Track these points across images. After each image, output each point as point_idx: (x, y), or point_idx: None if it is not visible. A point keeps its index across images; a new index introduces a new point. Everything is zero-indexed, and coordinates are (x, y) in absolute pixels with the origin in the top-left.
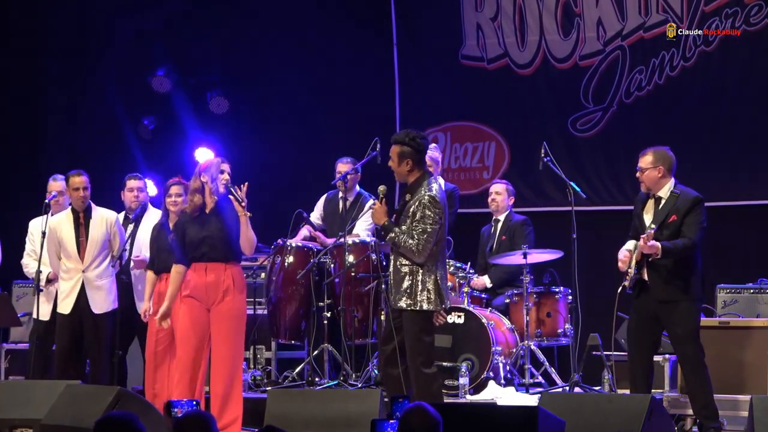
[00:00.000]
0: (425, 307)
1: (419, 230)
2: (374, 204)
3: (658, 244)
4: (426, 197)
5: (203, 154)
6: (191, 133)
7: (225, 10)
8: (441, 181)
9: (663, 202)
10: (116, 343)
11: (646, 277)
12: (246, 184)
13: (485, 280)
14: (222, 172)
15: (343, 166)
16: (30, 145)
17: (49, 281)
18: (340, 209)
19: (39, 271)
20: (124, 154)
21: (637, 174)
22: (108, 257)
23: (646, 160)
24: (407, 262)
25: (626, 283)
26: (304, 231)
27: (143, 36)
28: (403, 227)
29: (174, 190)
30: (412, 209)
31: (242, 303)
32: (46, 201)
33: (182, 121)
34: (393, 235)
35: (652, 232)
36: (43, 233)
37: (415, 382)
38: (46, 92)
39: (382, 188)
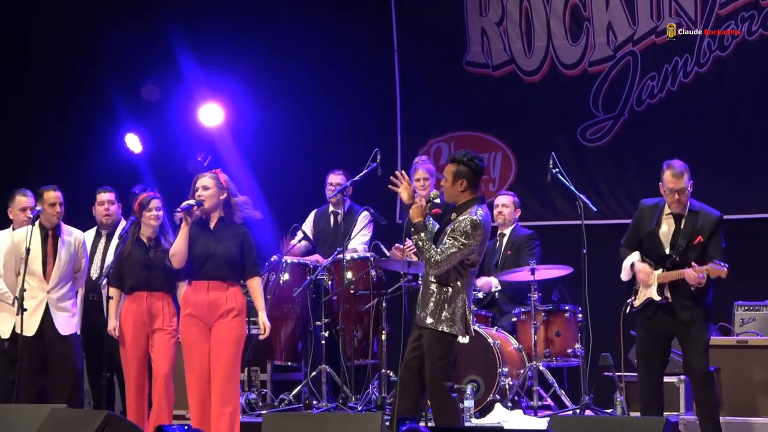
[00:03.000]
0: (448, 330)
1: (447, 245)
2: (418, 199)
3: (704, 278)
4: (470, 218)
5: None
6: (182, 144)
7: (217, 18)
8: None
9: (683, 220)
10: (102, 365)
11: (669, 297)
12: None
13: (492, 281)
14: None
15: (335, 178)
16: (4, 157)
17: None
18: (332, 224)
19: (23, 289)
20: (105, 168)
21: (674, 197)
22: (72, 279)
23: (683, 180)
24: (434, 279)
25: (636, 303)
26: (300, 244)
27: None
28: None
29: (154, 204)
30: (453, 226)
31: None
32: (32, 215)
33: (174, 132)
34: (420, 236)
35: (703, 278)
36: (28, 250)
37: (434, 401)
38: (35, 99)
39: (434, 192)
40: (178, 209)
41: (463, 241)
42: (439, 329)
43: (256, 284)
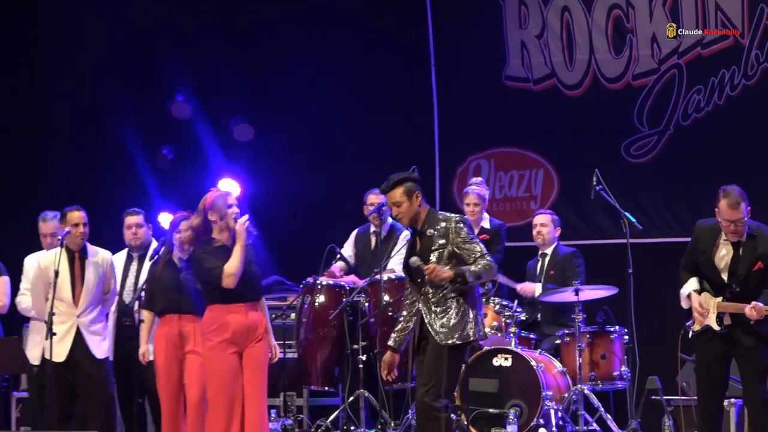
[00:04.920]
0: (478, 336)
1: (476, 252)
2: (422, 267)
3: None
4: (452, 222)
5: (227, 185)
6: (213, 163)
7: (250, 31)
8: (486, 217)
9: (741, 247)
10: (133, 391)
11: (728, 322)
12: (246, 216)
13: (535, 287)
14: (230, 206)
15: (374, 198)
16: (30, 177)
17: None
18: (373, 245)
19: (52, 313)
20: (137, 187)
21: (730, 227)
22: (101, 301)
23: (740, 210)
24: (452, 295)
25: (695, 328)
26: (338, 267)
27: (161, 57)
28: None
29: (184, 225)
30: (451, 238)
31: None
32: (59, 237)
33: (204, 149)
34: (471, 272)
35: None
36: (56, 273)
37: (419, 417)
38: (49, 120)
39: (414, 259)
40: (247, 224)
41: (473, 235)
42: (454, 341)
43: (263, 303)
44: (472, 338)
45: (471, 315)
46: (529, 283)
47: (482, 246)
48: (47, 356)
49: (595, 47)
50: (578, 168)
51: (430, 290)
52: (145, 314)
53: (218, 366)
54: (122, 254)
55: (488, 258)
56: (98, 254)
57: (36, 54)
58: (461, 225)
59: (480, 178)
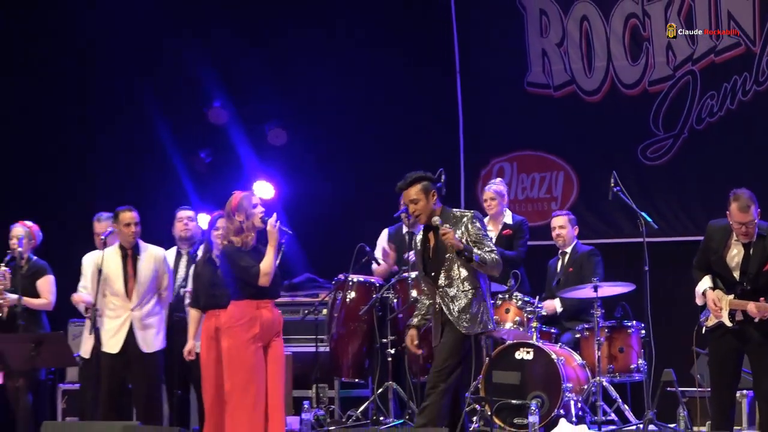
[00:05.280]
0: (481, 330)
1: (485, 247)
2: (441, 226)
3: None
4: (466, 218)
5: (262, 188)
6: (248, 165)
7: (281, 40)
8: (508, 213)
9: (752, 247)
10: (174, 383)
11: (740, 318)
12: (275, 215)
13: (556, 304)
14: (255, 206)
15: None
16: (82, 179)
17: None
18: (407, 245)
19: (96, 309)
20: (176, 189)
21: (741, 229)
22: (156, 296)
23: (750, 212)
24: (469, 287)
25: (708, 323)
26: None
27: (200, 67)
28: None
29: (221, 223)
30: (466, 231)
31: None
32: (102, 239)
33: (239, 152)
34: (481, 255)
35: (764, 305)
36: (100, 271)
37: (428, 396)
38: (100, 125)
39: (435, 219)
40: (278, 224)
41: (488, 236)
42: (477, 330)
43: None
44: (490, 327)
45: (483, 307)
46: (549, 301)
47: (492, 244)
48: (103, 348)
49: (612, 55)
50: (597, 170)
51: (445, 282)
52: (192, 312)
53: (247, 359)
54: (171, 251)
55: (496, 255)
56: (151, 251)
57: (86, 63)
58: (475, 220)
59: (500, 179)
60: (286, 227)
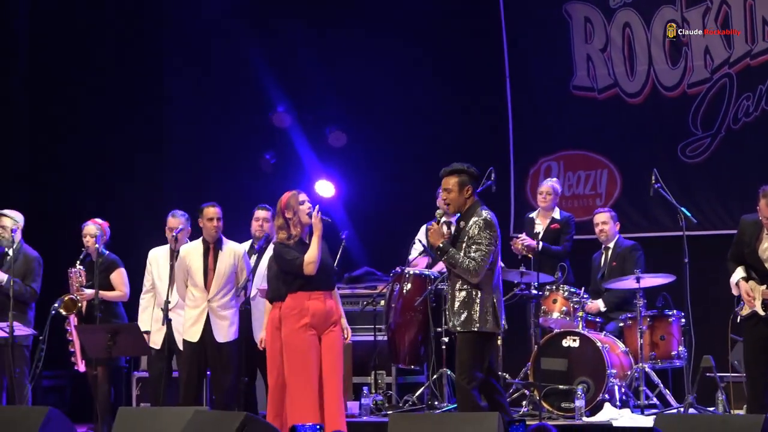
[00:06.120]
0: (485, 328)
1: (474, 252)
2: (431, 226)
3: None
4: (481, 220)
5: (323, 187)
6: (310, 166)
7: (340, 44)
8: (556, 209)
9: None
10: (242, 370)
11: None
12: (317, 206)
13: (599, 304)
14: (302, 203)
15: None
16: (154, 176)
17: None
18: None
19: (167, 302)
20: (245, 187)
21: None
22: (233, 289)
23: None
24: (466, 286)
25: (743, 312)
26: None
27: (264, 74)
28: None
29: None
30: (469, 233)
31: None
32: (173, 235)
33: (301, 154)
34: (451, 253)
35: None
36: (172, 266)
37: (458, 398)
38: (172, 127)
39: (439, 212)
40: (320, 215)
41: (485, 242)
42: (473, 329)
43: (336, 293)
44: (488, 327)
45: (480, 306)
46: (592, 302)
47: (483, 253)
48: (184, 337)
49: (653, 59)
50: (639, 168)
51: (449, 277)
52: (266, 303)
53: (299, 345)
54: (246, 245)
55: (473, 264)
56: (231, 246)
57: (162, 75)
58: (482, 225)
59: (556, 178)
60: (327, 217)
